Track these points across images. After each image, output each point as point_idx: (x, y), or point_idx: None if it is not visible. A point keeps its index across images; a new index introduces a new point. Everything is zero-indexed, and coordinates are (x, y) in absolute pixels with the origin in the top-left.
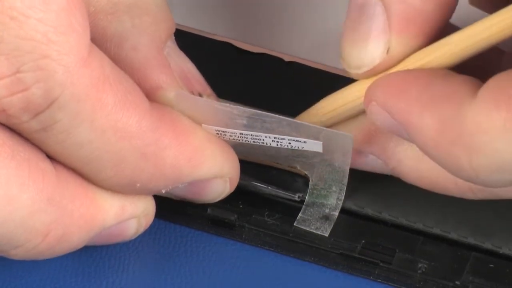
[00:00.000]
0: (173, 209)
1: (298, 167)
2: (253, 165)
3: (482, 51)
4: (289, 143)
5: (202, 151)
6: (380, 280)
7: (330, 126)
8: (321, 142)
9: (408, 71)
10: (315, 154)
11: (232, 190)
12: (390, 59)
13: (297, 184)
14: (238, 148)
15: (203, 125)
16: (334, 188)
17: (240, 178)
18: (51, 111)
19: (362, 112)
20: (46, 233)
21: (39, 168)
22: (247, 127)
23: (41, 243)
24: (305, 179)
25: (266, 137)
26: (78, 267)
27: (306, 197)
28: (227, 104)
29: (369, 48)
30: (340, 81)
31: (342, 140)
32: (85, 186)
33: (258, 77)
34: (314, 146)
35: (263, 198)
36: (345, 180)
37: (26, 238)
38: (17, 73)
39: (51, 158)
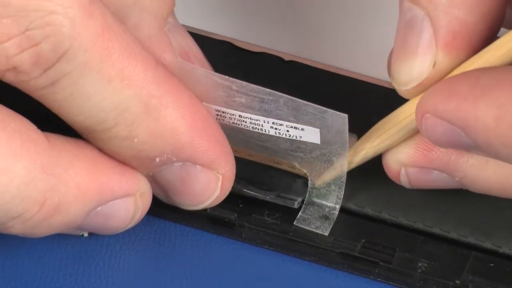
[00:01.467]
0: (173, 208)
1: (297, 165)
2: (252, 165)
3: None
4: (287, 130)
5: (203, 126)
6: (380, 279)
7: (384, 151)
8: (319, 130)
9: (453, 75)
10: (313, 147)
11: (223, 195)
12: (437, 72)
13: (296, 186)
14: (238, 137)
15: (203, 103)
16: (333, 187)
17: (238, 185)
18: (61, 64)
19: (416, 131)
20: (42, 201)
21: (31, 138)
22: (246, 107)
23: (38, 212)
24: (305, 180)
25: (265, 122)
26: (78, 267)
27: (306, 197)
28: (226, 77)
29: (416, 63)
30: (340, 81)
31: (337, 121)
32: (80, 158)
33: (257, 76)
34: (312, 135)
35: None
36: (344, 178)
37: (23, 207)
38: (26, 31)
39: (45, 130)
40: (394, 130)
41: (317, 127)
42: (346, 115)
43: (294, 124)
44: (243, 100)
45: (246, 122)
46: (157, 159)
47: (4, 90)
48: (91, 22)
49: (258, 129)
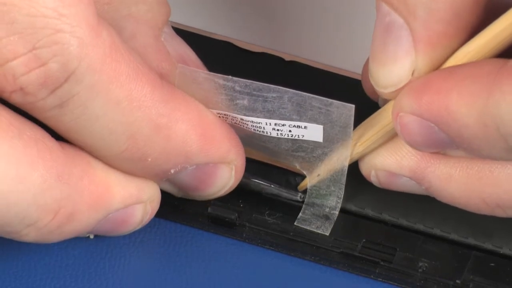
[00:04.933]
0: (174, 208)
1: (298, 166)
2: (254, 163)
3: (503, 48)
4: (290, 130)
5: (212, 131)
6: (380, 279)
7: (364, 155)
8: (322, 126)
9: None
10: (315, 146)
11: (236, 183)
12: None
13: (298, 183)
14: (240, 136)
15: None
16: (333, 188)
17: (243, 178)
18: (69, 85)
19: (393, 136)
20: (57, 210)
21: (46, 146)
22: (248, 109)
23: (52, 221)
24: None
25: (267, 124)
26: (78, 267)
27: (306, 198)
28: (229, 77)
29: (396, 70)
30: (340, 81)
31: (343, 113)
32: (94, 166)
33: (258, 77)
34: (314, 132)
35: (264, 197)
36: (344, 179)
37: (38, 215)
38: (33, 50)
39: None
40: (378, 136)
41: (321, 123)
42: (353, 106)
43: (296, 123)
44: (245, 102)
45: (247, 125)
46: (172, 171)
47: None
48: (99, 42)
49: (260, 132)
